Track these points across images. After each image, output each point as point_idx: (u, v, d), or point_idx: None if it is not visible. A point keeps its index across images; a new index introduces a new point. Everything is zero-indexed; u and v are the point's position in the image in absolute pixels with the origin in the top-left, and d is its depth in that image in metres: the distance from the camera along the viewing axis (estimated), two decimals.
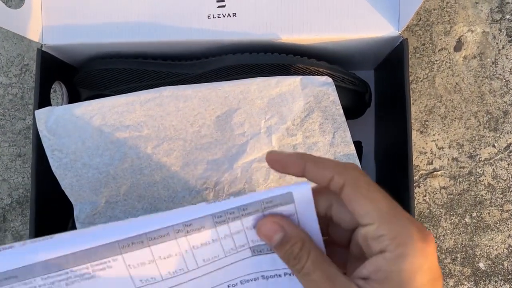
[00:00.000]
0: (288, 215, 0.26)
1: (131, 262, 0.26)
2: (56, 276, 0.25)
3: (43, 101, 0.44)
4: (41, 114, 0.41)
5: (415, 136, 0.54)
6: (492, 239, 0.53)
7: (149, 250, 0.26)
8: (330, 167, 0.25)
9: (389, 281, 0.23)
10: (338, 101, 0.41)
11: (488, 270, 0.53)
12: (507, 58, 0.54)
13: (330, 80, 0.41)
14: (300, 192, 0.26)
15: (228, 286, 0.27)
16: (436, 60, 0.55)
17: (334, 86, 0.41)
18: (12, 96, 0.56)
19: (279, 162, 0.27)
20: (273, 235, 0.25)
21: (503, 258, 0.53)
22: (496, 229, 0.53)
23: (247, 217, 0.26)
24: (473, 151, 0.54)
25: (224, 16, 0.43)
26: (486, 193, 0.53)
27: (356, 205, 0.24)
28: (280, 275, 0.27)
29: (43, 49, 0.44)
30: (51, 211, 0.44)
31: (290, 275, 0.27)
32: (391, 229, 0.23)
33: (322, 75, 0.43)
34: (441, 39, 0.55)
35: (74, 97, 0.50)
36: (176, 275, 0.26)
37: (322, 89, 0.41)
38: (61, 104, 0.49)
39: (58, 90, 0.53)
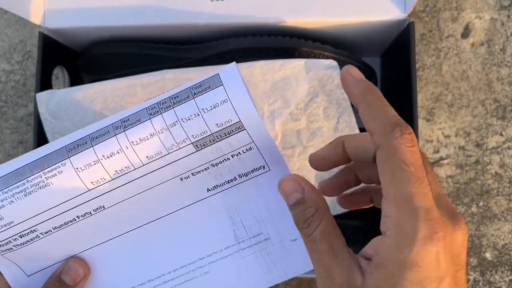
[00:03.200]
0: (221, 101, 0.26)
1: (79, 165, 0.27)
2: (15, 188, 0.27)
3: (45, 85, 0.44)
4: (43, 97, 0.41)
5: (421, 124, 0.53)
6: (499, 229, 0.52)
7: (93, 150, 0.27)
8: (373, 127, 0.23)
9: (383, 268, 0.22)
10: None
11: (494, 260, 0.52)
12: None
13: (335, 63, 0.40)
14: (227, 72, 0.26)
15: (181, 179, 0.28)
16: (443, 47, 0.54)
17: (339, 70, 0.40)
18: (14, 82, 0.56)
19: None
20: (291, 194, 0.25)
21: (510, 248, 0.52)
22: (503, 219, 0.52)
23: (179, 105, 0.26)
24: (480, 140, 0.53)
25: None
26: (493, 182, 0.52)
27: (381, 174, 0.22)
28: (228, 158, 0.28)
29: (45, 32, 0.44)
30: None
31: (237, 155, 0.28)
32: (397, 214, 0.21)
33: (327, 58, 0.42)
34: (448, 25, 0.54)
35: (76, 82, 0.50)
36: (123, 174, 0.27)
37: (326, 72, 0.40)
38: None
39: (60, 76, 0.53)
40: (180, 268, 0.31)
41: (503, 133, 0.53)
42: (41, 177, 0.27)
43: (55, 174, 0.27)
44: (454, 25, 0.54)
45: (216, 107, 0.26)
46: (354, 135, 0.28)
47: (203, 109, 0.26)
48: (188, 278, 0.31)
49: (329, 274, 0.23)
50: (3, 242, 0.29)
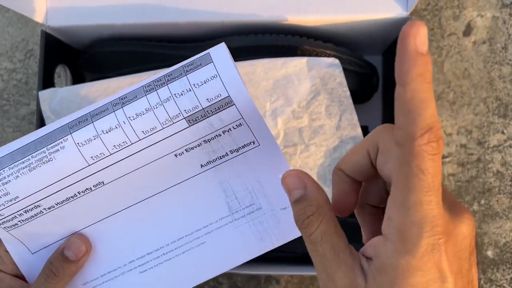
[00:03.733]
0: (211, 76, 0.28)
1: (80, 140, 0.28)
2: (20, 164, 0.29)
3: (47, 83, 0.44)
4: (45, 95, 0.41)
5: None
6: (500, 227, 0.52)
7: (93, 126, 0.28)
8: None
9: (385, 273, 0.21)
10: (345, 83, 0.41)
11: (496, 258, 0.52)
12: None
13: (337, 61, 0.40)
14: (216, 51, 0.28)
15: (175, 155, 0.30)
16: (445, 45, 0.54)
17: (341, 68, 0.40)
18: (16, 81, 0.56)
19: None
20: (294, 190, 0.25)
21: (511, 246, 0.52)
22: (504, 217, 0.52)
23: (173, 82, 0.28)
24: (482, 138, 0.53)
25: None
26: (494, 180, 0.52)
27: (394, 175, 0.21)
28: (219, 135, 0.30)
29: (47, 30, 0.44)
30: None
31: (228, 131, 0.29)
32: (402, 220, 0.21)
33: (329, 57, 0.42)
34: (450, 24, 0.54)
35: (78, 81, 0.50)
36: (121, 148, 0.29)
37: (328, 70, 0.40)
38: None
39: (62, 75, 0.53)
40: (177, 240, 0.33)
41: (505, 131, 0.53)
42: (44, 152, 0.29)
43: (58, 150, 0.29)
44: (456, 23, 0.54)
45: (206, 83, 0.28)
46: (346, 157, 0.26)
47: (194, 84, 0.28)
48: (186, 249, 0.33)
49: (330, 277, 0.22)
50: (9, 217, 0.30)
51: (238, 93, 0.28)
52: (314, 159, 0.42)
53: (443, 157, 0.53)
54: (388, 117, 0.51)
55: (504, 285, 0.52)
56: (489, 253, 0.52)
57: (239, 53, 0.43)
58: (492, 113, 0.53)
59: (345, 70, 0.42)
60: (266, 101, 0.41)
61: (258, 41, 0.42)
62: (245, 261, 0.33)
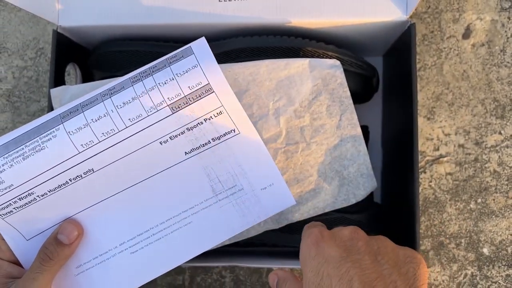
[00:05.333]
0: (192, 66, 0.30)
1: (70, 129, 0.31)
2: (14, 153, 0.31)
3: (58, 81, 0.45)
4: (56, 93, 0.43)
5: (422, 122, 0.54)
6: (496, 225, 0.53)
7: (83, 115, 0.31)
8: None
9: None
10: (346, 84, 0.42)
11: (492, 256, 0.53)
12: None
13: (338, 62, 0.42)
14: (197, 44, 0.31)
15: (160, 143, 0.32)
16: (444, 48, 0.55)
17: (342, 69, 0.42)
18: (27, 78, 0.57)
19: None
20: (274, 280, 0.35)
21: (507, 244, 0.53)
22: (501, 215, 0.53)
23: (157, 73, 0.31)
24: (480, 138, 0.54)
25: (235, 0, 0.44)
26: (491, 180, 0.54)
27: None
28: (201, 123, 0.32)
29: (58, 30, 0.45)
30: None
31: (209, 119, 0.32)
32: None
33: (331, 58, 0.44)
34: (449, 26, 0.55)
35: (87, 80, 0.51)
36: (109, 136, 0.31)
37: (330, 71, 0.42)
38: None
39: (72, 73, 0.55)
40: (166, 221, 0.35)
41: (502, 132, 0.54)
42: (37, 141, 0.31)
43: (50, 138, 0.31)
44: (455, 26, 0.55)
45: (188, 72, 0.31)
46: None
47: (177, 74, 0.30)
48: (174, 228, 0.36)
49: None
50: (4, 205, 0.32)
51: (217, 82, 0.31)
52: (315, 157, 0.43)
53: (442, 156, 0.54)
54: (387, 117, 0.52)
55: (500, 281, 0.53)
56: (485, 251, 0.53)
57: (244, 54, 0.44)
58: (490, 114, 0.54)
59: (346, 71, 0.43)
60: (269, 101, 0.42)
61: (262, 43, 0.44)
62: (230, 236, 0.36)
